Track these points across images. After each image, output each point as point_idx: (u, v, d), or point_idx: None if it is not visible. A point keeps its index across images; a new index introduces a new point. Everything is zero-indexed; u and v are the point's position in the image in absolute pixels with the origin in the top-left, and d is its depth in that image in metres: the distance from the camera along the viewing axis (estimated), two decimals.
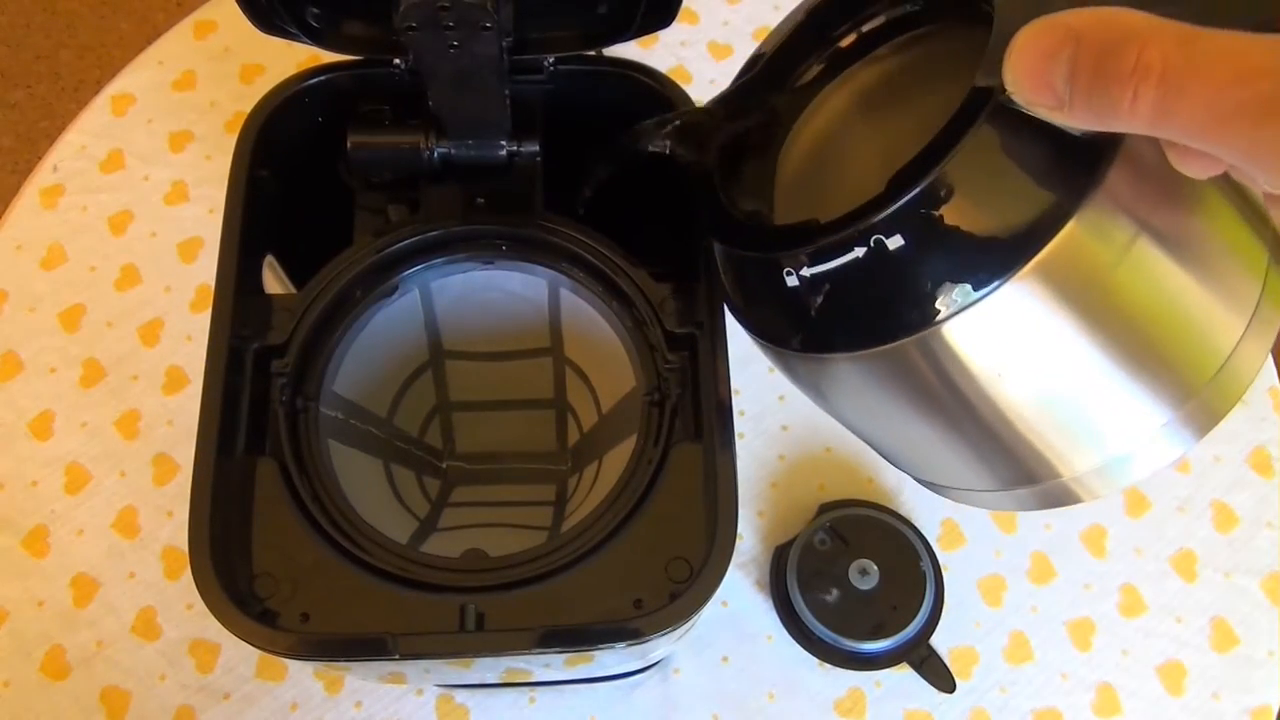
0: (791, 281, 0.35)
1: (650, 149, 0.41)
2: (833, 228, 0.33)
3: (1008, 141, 0.30)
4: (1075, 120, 0.27)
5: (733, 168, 0.41)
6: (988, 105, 0.29)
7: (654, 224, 0.45)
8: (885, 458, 0.41)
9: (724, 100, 0.41)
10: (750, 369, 0.66)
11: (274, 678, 0.59)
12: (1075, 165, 0.30)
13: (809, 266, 0.34)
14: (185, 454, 0.39)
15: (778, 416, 0.65)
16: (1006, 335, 0.32)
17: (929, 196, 0.31)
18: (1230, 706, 0.59)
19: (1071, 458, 0.34)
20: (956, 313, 0.31)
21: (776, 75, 0.40)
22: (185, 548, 0.37)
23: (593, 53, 0.47)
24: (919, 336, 0.32)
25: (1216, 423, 0.33)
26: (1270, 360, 0.68)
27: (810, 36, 0.40)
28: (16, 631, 0.59)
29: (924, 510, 0.63)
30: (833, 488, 0.64)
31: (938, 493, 0.41)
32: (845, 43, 0.40)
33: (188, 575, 0.37)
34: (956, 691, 0.59)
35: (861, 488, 0.64)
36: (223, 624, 0.36)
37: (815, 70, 0.40)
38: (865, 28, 0.39)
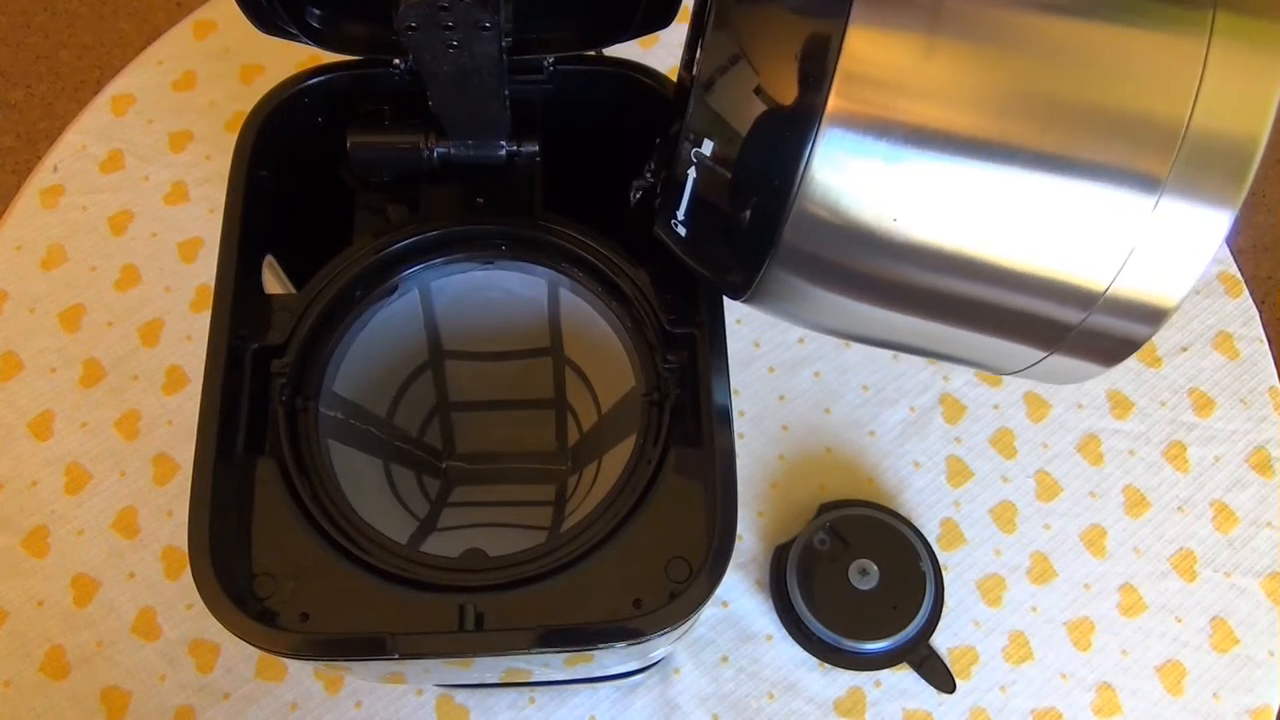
0: (682, 232, 0.36)
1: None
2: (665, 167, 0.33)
3: (750, 8, 0.30)
4: None
5: None
6: None
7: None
8: (931, 356, 0.39)
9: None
10: (750, 369, 0.67)
11: (274, 678, 0.59)
12: None
13: (677, 210, 0.35)
14: (185, 454, 0.39)
15: (778, 416, 0.65)
16: (866, 172, 0.30)
17: (703, 91, 0.31)
18: (1230, 706, 0.59)
19: (1080, 273, 0.31)
20: (801, 178, 0.30)
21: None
22: (185, 548, 0.37)
23: (593, 53, 0.47)
24: (793, 219, 0.31)
25: (1242, 171, 0.29)
26: (1270, 361, 0.68)
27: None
28: (16, 631, 0.59)
29: (924, 510, 0.63)
30: (833, 488, 0.63)
31: (1021, 376, 0.37)
32: None
33: (188, 575, 0.37)
34: (956, 691, 0.59)
35: (861, 488, 0.64)
36: (222, 624, 0.36)
37: None
38: None
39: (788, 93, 0.29)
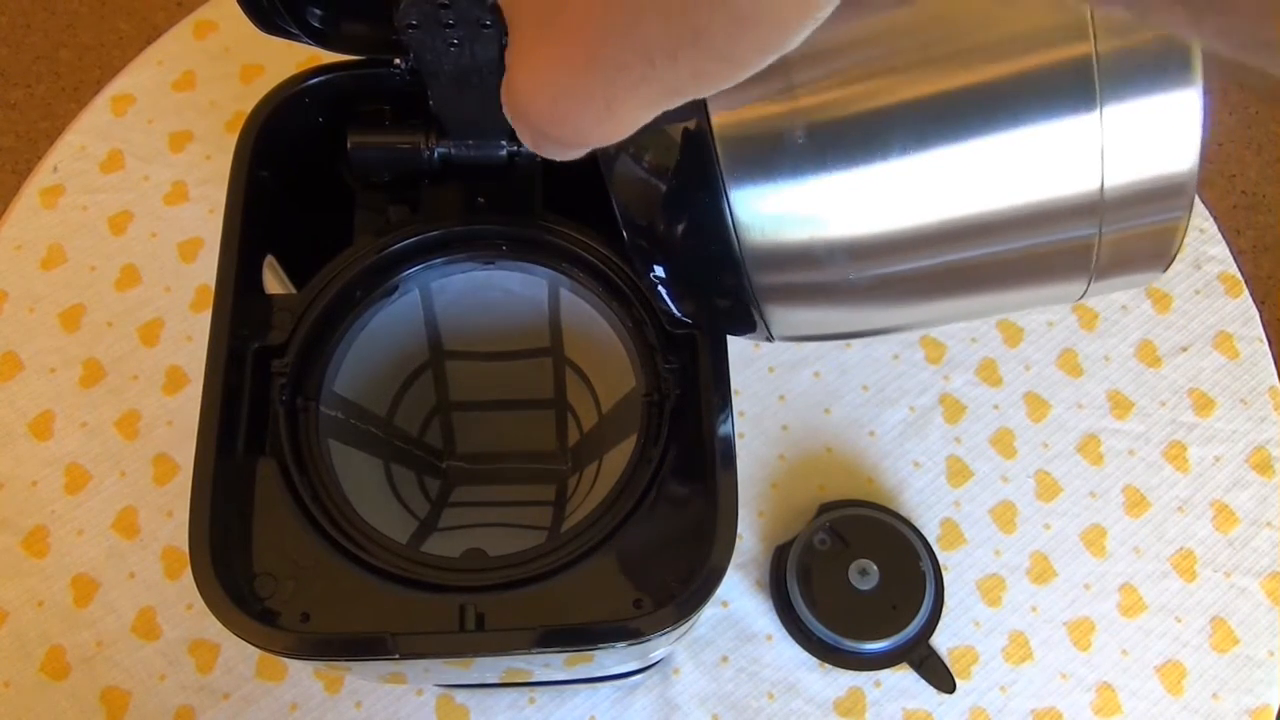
0: (690, 322, 0.40)
1: None
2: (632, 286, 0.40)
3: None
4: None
5: None
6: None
7: None
8: (983, 317, 0.40)
9: None
10: (750, 369, 0.67)
11: (274, 678, 0.59)
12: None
13: (662, 296, 0.38)
14: (185, 454, 0.39)
15: (778, 416, 0.65)
16: (790, 204, 0.30)
17: (629, 233, 0.34)
18: (1230, 706, 0.59)
19: (1063, 189, 0.29)
20: (739, 234, 0.31)
21: None
22: (185, 548, 0.37)
23: None
24: (749, 268, 0.33)
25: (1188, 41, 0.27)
26: (1270, 361, 0.68)
27: None
28: (16, 631, 0.59)
29: (924, 510, 0.63)
30: (833, 488, 0.63)
31: (1084, 299, 0.35)
32: None
33: (188, 575, 0.37)
34: (956, 691, 0.59)
35: (861, 488, 0.64)
36: (223, 623, 0.36)
37: None
38: None
39: (689, 200, 0.32)
